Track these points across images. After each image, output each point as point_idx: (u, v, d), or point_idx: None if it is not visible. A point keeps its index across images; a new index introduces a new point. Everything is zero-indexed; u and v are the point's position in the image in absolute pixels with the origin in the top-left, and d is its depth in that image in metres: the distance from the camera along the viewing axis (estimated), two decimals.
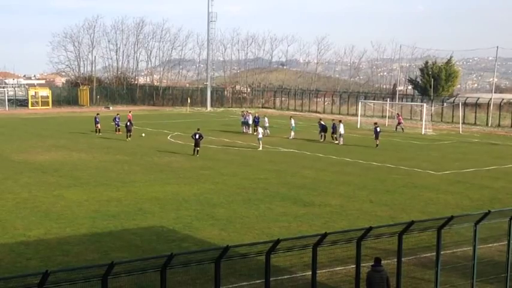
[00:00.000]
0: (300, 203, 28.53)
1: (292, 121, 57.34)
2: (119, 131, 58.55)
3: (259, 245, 16.03)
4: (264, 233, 22.93)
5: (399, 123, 65.17)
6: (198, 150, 43.91)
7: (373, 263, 15.72)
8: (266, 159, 43.01)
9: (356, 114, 73.05)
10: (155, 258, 15.67)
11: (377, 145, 50.44)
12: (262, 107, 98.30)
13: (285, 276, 17.83)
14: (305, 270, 16.98)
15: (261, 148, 47.87)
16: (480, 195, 31.02)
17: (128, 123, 54.01)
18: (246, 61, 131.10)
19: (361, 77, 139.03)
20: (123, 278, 15.29)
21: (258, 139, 48.69)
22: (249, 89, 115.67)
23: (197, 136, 44.37)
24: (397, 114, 70.06)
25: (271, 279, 15.28)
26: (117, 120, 59.61)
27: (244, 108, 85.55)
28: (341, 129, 52.22)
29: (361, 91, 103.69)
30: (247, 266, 17.80)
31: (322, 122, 56.31)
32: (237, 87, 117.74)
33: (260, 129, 50.18)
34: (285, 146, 49.67)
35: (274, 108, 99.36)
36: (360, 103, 75.64)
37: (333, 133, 54.63)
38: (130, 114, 61.73)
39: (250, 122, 60.70)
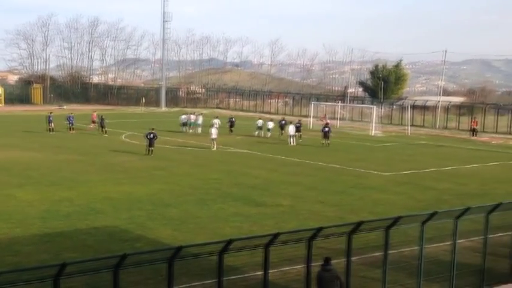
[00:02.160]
0: (252, 203, 28.58)
1: (261, 122, 56.71)
2: (72, 129, 57.76)
3: (212, 245, 16.00)
4: (216, 233, 22.89)
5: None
6: (152, 150, 43.62)
7: (322, 263, 15.86)
8: (219, 159, 42.96)
9: (308, 116, 73.53)
10: (108, 258, 15.47)
11: (328, 144, 51.09)
12: (216, 108, 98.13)
13: (238, 276, 17.83)
14: (257, 270, 16.99)
15: (215, 148, 47.75)
16: (426, 196, 31.56)
17: (101, 121, 54.54)
18: (200, 61, 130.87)
19: (313, 79, 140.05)
20: (75, 279, 15.08)
21: (212, 139, 48.49)
22: (203, 90, 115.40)
23: (151, 136, 43.99)
24: (324, 115, 71.37)
25: (223, 278, 15.26)
26: (71, 119, 58.81)
27: (198, 110, 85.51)
28: (291, 131, 52.58)
29: (313, 93, 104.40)
30: (200, 266, 17.76)
31: (283, 121, 58.50)
32: (192, 87, 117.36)
33: (213, 130, 49.92)
34: (237, 147, 49.71)
35: (228, 108, 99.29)
36: (311, 104, 76.21)
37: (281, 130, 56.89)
38: (95, 114, 61.67)
39: (200, 122, 60.66)
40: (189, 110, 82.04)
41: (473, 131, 65.76)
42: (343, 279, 16.66)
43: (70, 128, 58.14)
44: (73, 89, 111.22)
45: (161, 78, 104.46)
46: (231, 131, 59.39)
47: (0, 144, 47.55)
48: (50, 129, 57.05)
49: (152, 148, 43.69)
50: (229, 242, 15.20)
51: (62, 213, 25.66)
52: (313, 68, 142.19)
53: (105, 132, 49.33)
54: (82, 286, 15.95)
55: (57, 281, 14.14)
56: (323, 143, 51.55)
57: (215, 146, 47.99)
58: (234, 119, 62.40)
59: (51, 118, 58.01)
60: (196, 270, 17.84)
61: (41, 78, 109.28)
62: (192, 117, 61.91)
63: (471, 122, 67.93)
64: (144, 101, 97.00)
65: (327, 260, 15.86)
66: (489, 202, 21.01)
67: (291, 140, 52.39)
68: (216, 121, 57.53)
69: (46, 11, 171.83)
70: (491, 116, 73.20)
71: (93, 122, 61.22)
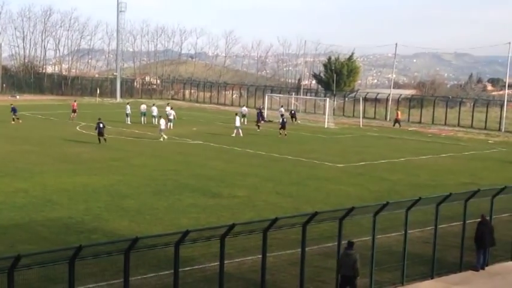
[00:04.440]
0: (209, 195, 28.56)
1: (237, 118, 54.05)
2: (18, 119, 56.71)
3: (168, 236, 15.97)
4: (173, 224, 22.82)
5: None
6: (105, 139, 43.64)
7: (346, 246, 16.46)
8: (175, 150, 42.77)
9: (263, 108, 73.69)
10: (64, 250, 15.31)
11: (285, 134, 51.46)
12: (171, 99, 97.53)
13: (194, 267, 17.84)
14: (213, 261, 17.02)
15: (162, 139, 47.44)
16: (379, 187, 32.01)
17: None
18: (155, 52, 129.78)
19: (268, 71, 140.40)
20: (30, 271, 14.87)
21: (160, 130, 48.29)
22: (158, 81, 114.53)
23: (101, 125, 44.03)
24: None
25: (180, 269, 15.25)
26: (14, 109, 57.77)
27: (154, 101, 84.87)
28: (236, 122, 52.67)
29: (267, 85, 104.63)
30: (157, 257, 17.71)
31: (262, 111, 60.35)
32: (147, 78, 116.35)
33: (162, 121, 49.72)
34: (193, 138, 49.53)
35: (183, 100, 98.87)
36: (266, 96, 76.38)
37: (257, 121, 58.02)
38: (75, 103, 62.73)
39: (155, 114, 60.09)
40: (160, 101, 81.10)
41: (396, 122, 67.06)
42: (296, 270, 16.87)
43: (14, 119, 57.03)
44: (26, 79, 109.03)
45: (116, 69, 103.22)
46: (259, 123, 58.49)
47: None
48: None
49: (104, 137, 43.75)
50: (186, 233, 15.17)
51: (17, 205, 25.22)
52: (268, 60, 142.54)
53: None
54: (37, 278, 15.70)
55: (11, 273, 13.94)
56: (280, 133, 51.84)
57: (162, 137, 47.68)
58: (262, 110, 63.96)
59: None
60: (152, 262, 17.79)
61: None
62: (168, 109, 60.46)
63: (396, 113, 69.38)
64: (99, 91, 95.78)
65: (350, 244, 16.45)
66: (440, 193, 21.43)
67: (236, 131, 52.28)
68: (171, 112, 57.30)
69: None
70: (440, 109, 74.52)
71: (74, 111, 60.87)
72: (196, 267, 17.93)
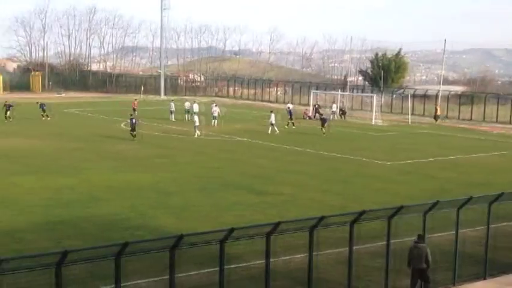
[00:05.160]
0: (254, 192, 28.60)
1: (272, 115, 53.36)
2: (46, 116, 57.89)
3: (213, 234, 16.05)
4: (218, 221, 22.90)
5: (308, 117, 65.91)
6: (135, 135, 44.84)
7: (415, 239, 16.78)
8: (220, 148, 42.96)
9: (308, 104, 73.44)
10: (109, 246, 15.53)
11: (323, 133, 50.97)
12: (215, 96, 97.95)
13: (239, 264, 17.88)
14: (259, 258, 17.02)
15: (196, 136, 47.76)
16: (428, 185, 31.57)
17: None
18: (199, 50, 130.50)
19: (313, 68, 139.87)
20: (77, 266, 15.12)
21: (195, 127, 48.64)
22: (202, 78, 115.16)
23: (133, 121, 45.25)
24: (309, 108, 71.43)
25: (225, 267, 15.31)
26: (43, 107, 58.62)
27: (198, 98, 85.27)
28: (272, 119, 52.42)
29: (313, 81, 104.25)
30: (202, 254, 17.78)
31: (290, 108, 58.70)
32: (191, 75, 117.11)
33: (196, 117, 50.21)
34: (238, 135, 49.65)
35: (227, 97, 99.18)
36: (311, 93, 76.08)
37: (290, 118, 56.57)
38: (135, 102, 63.82)
39: (196, 110, 60.49)
40: (204, 99, 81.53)
41: (436, 117, 67.60)
42: (344, 268, 16.75)
43: (42, 115, 58.01)
44: (72, 76, 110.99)
45: (160, 66, 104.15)
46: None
47: (2, 132, 47.51)
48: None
49: (135, 132, 44.91)
50: (231, 230, 15.23)
51: (63, 201, 25.70)
52: (313, 57, 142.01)
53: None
54: (84, 274, 15.99)
55: (59, 269, 14.19)
56: (324, 132, 51.28)
57: (196, 134, 48.09)
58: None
59: (44, 107, 58.78)
60: (198, 259, 17.87)
61: (40, 66, 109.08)
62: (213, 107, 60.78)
63: (435, 109, 69.42)
64: (143, 89, 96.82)
65: (420, 237, 16.74)
66: (492, 192, 21.01)
67: (273, 128, 52.15)
68: (215, 109, 57.58)
69: None
70: (491, 106, 73.08)
71: (134, 110, 61.18)
72: (242, 264, 17.97)
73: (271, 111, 53.88)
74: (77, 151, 39.44)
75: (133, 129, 45.12)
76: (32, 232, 21.26)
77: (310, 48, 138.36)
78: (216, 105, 59.60)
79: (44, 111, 58.36)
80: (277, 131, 51.43)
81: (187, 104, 62.44)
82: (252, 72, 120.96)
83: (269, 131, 51.60)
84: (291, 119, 56.85)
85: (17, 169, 32.63)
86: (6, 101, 57.93)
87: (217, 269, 15.55)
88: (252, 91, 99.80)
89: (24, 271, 14.31)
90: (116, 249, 14.92)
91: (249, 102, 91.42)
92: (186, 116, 60.88)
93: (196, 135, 47.95)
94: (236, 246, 17.12)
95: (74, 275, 15.27)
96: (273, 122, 52.30)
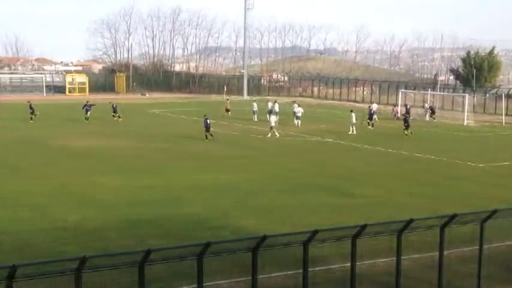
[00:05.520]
0: (339, 194, 28.39)
1: (353, 115, 53.09)
2: (118, 117, 58.90)
3: (297, 235, 16.02)
4: (301, 223, 22.85)
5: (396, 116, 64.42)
6: (211, 135, 45.47)
7: None
8: (304, 148, 42.92)
9: (396, 104, 72.34)
10: (192, 246, 15.75)
11: (406, 134, 49.88)
12: (299, 96, 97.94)
13: (323, 267, 17.76)
14: (343, 262, 16.91)
15: (269, 136, 48.05)
16: None
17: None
18: (283, 49, 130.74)
19: (401, 67, 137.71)
20: (159, 265, 15.42)
21: (271, 127, 48.88)
22: (286, 78, 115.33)
23: (208, 121, 45.92)
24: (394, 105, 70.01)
25: (308, 269, 15.25)
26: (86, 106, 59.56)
27: (281, 98, 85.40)
28: (352, 119, 51.99)
29: (401, 81, 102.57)
30: (285, 256, 17.76)
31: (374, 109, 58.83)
32: (274, 75, 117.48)
33: (273, 117, 50.54)
34: (322, 136, 49.43)
35: (312, 97, 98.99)
36: (400, 93, 74.89)
37: (369, 119, 56.20)
38: (229, 103, 64.52)
39: (277, 110, 60.78)
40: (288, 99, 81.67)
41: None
42: (434, 273, 16.37)
43: (114, 116, 59.18)
44: (155, 77, 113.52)
45: (243, 66, 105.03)
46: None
47: (85, 132, 49.13)
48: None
49: (210, 133, 45.52)
50: (315, 232, 15.17)
51: (146, 201, 26.28)
52: (401, 55, 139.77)
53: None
54: (167, 273, 16.27)
55: (143, 267, 14.50)
56: (406, 133, 50.19)
57: (270, 134, 48.34)
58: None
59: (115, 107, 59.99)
60: (280, 260, 17.86)
61: (124, 67, 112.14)
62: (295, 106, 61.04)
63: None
64: (226, 89, 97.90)
65: None
66: None
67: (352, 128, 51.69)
68: (299, 109, 57.58)
69: (129, 0, 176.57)
70: None
71: (227, 110, 62.53)
72: (326, 267, 17.85)
73: (351, 111, 53.43)
74: (159, 151, 40.27)
75: (207, 130, 45.75)
76: (115, 230, 21.84)
77: (399, 46, 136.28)
78: (299, 106, 59.65)
79: (115, 111, 59.73)
80: (355, 132, 51.15)
81: (269, 104, 62.78)
82: (338, 71, 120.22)
83: (350, 132, 51.20)
84: (370, 119, 56.25)
85: (101, 168, 33.61)
86: (87, 101, 59.56)
87: (300, 271, 15.51)
88: (337, 91, 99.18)
89: (108, 269, 14.71)
90: (198, 249, 15.12)
91: (334, 102, 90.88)
92: (268, 116, 61.10)
93: (270, 135, 48.29)
94: (320, 249, 17.04)
95: (156, 274, 15.59)
96: (354, 121, 51.94)
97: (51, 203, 25.65)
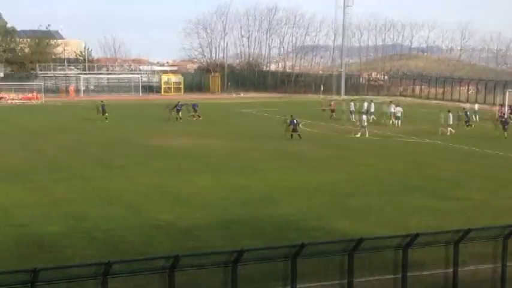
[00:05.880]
0: (440, 197, 27.68)
1: (450, 116, 51.73)
2: (198, 116, 59.31)
3: (395, 239, 15.74)
4: (400, 226, 22.42)
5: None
6: (298, 135, 45.70)
7: None
8: (403, 149, 42.20)
9: (503, 104, 69.90)
10: (285, 247, 15.74)
11: (505, 137, 47.93)
12: (400, 95, 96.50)
13: (423, 272, 17.35)
14: (445, 267, 16.47)
15: (358, 135, 47.99)
16: None
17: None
18: (383, 47, 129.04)
19: (509, 65, 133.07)
20: (252, 266, 15.50)
21: (362, 127, 48.75)
22: (385, 77, 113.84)
23: (295, 122, 46.28)
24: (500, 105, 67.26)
25: (407, 274, 14.94)
26: (181, 106, 59.97)
27: (381, 98, 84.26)
28: (450, 119, 50.78)
29: (508, 80, 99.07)
30: (382, 259, 17.48)
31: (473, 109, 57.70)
32: (373, 74, 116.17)
33: (364, 117, 50.43)
34: (423, 137, 48.40)
35: (413, 96, 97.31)
36: (507, 93, 72.35)
37: (466, 120, 54.85)
38: (333, 103, 64.16)
39: (372, 110, 60.45)
40: (388, 98, 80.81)
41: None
42: None
43: (193, 115, 59.63)
44: (250, 77, 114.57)
45: (341, 65, 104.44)
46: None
47: (180, 131, 50.12)
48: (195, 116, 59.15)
49: (297, 133, 45.75)
50: (415, 236, 14.87)
51: (239, 200, 26.49)
52: (509, 54, 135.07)
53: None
54: (259, 273, 16.32)
55: (235, 267, 14.61)
56: (505, 136, 48.22)
57: (359, 134, 48.28)
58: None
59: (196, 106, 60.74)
60: (377, 264, 17.58)
61: (219, 67, 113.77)
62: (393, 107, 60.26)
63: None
64: (322, 88, 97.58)
65: None
66: None
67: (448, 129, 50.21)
68: (398, 109, 56.68)
69: (225, 0, 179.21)
70: None
71: (332, 110, 62.32)
72: (425, 272, 17.43)
73: (449, 111, 52.00)
74: (253, 151, 40.53)
75: (295, 130, 46.01)
76: (208, 230, 22.11)
77: (506, 44, 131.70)
78: (398, 105, 58.72)
79: (195, 111, 60.28)
80: (450, 132, 50.02)
81: (365, 104, 62.22)
82: (441, 70, 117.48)
83: (447, 132, 49.94)
84: (467, 120, 54.65)
85: (196, 168, 34.17)
86: (178, 102, 60.62)
87: (398, 275, 15.23)
88: (440, 90, 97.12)
89: (201, 268, 14.91)
90: (292, 250, 15.10)
91: (436, 101, 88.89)
92: (359, 115, 60.45)
93: (359, 134, 48.17)
94: (419, 253, 16.66)
95: (248, 274, 15.68)
96: (450, 122, 50.80)
97: (144, 201, 26.28)
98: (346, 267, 15.81)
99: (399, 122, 55.55)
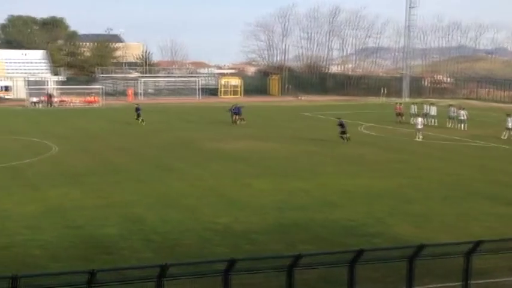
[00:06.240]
0: (505, 202, 27.04)
1: (509, 119, 50.29)
2: (242, 119, 58.59)
3: (458, 245, 15.47)
4: (463, 232, 22.02)
5: None
6: (348, 137, 45.67)
7: None
8: (469, 153, 41.41)
9: None
10: (343, 252, 15.63)
11: None
12: (465, 98, 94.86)
13: (487, 280, 16.94)
14: (510, 275, 16.07)
15: (417, 139, 47.60)
16: None
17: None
18: (448, 49, 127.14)
19: None
20: (309, 271, 15.42)
21: (417, 130, 48.49)
22: (450, 79, 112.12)
23: (343, 123, 46.58)
24: None
25: (471, 282, 14.64)
26: (238, 109, 59.48)
27: (445, 101, 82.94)
28: (508, 123, 49.27)
29: None
30: (444, 266, 17.17)
31: None
32: (437, 76, 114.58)
33: (419, 120, 50.01)
34: (489, 141, 47.40)
35: (478, 99, 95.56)
36: None
37: None
38: (399, 106, 63.20)
39: (433, 113, 59.65)
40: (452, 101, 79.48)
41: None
42: None
43: (235, 119, 58.95)
44: (310, 79, 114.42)
45: (404, 67, 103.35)
46: None
47: (238, 134, 50.32)
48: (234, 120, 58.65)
49: (346, 135, 45.73)
50: (479, 243, 14.57)
51: (297, 204, 26.41)
52: None
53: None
54: (316, 279, 16.22)
55: (291, 272, 14.57)
56: None
57: (417, 137, 47.97)
58: None
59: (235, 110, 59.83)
60: (439, 271, 17.27)
61: (279, 69, 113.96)
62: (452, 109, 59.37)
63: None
64: (384, 91, 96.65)
65: None
66: None
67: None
68: (463, 112, 55.74)
69: (287, 2, 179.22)
70: None
71: (399, 114, 61.48)
72: (490, 280, 17.01)
73: (508, 115, 50.70)
74: (313, 154, 40.40)
75: (343, 132, 46.01)
76: (265, 234, 22.10)
77: None
78: (463, 109, 57.64)
79: (239, 114, 59.93)
80: (507, 135, 48.88)
81: (425, 107, 61.41)
82: (507, 72, 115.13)
83: (504, 136, 48.79)
84: None
85: (253, 171, 34.23)
86: (235, 104, 60.69)
87: (460, 283, 14.94)
88: (507, 93, 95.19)
89: (257, 272, 14.93)
90: (350, 255, 14.98)
91: (504, 105, 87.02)
92: (425, 119, 59.59)
93: (417, 138, 47.70)
94: (483, 260, 16.30)
95: (305, 279, 15.58)
96: (510, 126, 49.50)
97: (201, 204, 26.45)
98: (405, 273, 15.62)
99: (464, 125, 54.59)
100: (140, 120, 57.61)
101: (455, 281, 16.08)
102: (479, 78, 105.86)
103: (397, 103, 67.24)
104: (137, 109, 59.11)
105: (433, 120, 58.73)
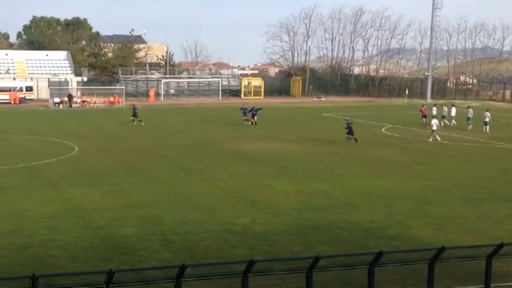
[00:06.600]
0: None
1: None
2: (251, 122, 58.13)
3: (479, 248, 15.39)
4: (485, 235, 21.88)
5: None
6: (356, 139, 45.41)
7: None
8: (491, 155, 41.08)
9: None
10: (362, 254, 15.61)
11: None
12: (489, 100, 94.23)
13: (509, 283, 16.80)
14: None
15: (431, 140, 47.34)
16: None
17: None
18: (473, 50, 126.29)
19: None
20: (328, 272, 15.42)
21: (432, 130, 48.20)
22: (475, 80, 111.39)
23: (350, 125, 46.34)
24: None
25: (492, 285, 14.55)
26: (253, 111, 59.10)
27: (469, 102, 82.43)
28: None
29: None
30: (465, 269, 17.10)
31: None
32: (462, 78, 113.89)
33: (435, 121, 49.75)
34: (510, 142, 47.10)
35: (503, 101, 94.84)
36: None
37: None
38: (424, 108, 62.77)
39: (453, 114, 59.56)
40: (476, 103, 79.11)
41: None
42: None
43: (248, 120, 58.86)
44: (332, 80, 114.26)
45: (427, 69, 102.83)
46: None
47: (258, 136, 50.32)
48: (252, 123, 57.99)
49: (354, 137, 45.49)
50: (500, 245, 14.50)
51: (317, 206, 26.36)
52: None
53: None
54: (335, 280, 16.19)
55: (310, 273, 14.59)
56: None
57: (432, 138, 47.60)
58: None
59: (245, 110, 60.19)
60: (460, 274, 17.18)
61: (301, 70, 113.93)
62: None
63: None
64: (408, 92, 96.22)
65: None
66: None
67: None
68: (486, 114, 55.37)
69: (309, 3, 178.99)
70: None
71: (424, 116, 60.64)
72: (511, 284, 16.88)
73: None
74: (332, 155, 40.31)
75: (351, 133, 45.99)
76: (285, 235, 22.09)
77: None
78: (487, 110, 57.22)
79: (253, 116, 59.38)
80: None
81: (444, 109, 61.03)
82: None
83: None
84: None
85: (272, 172, 34.22)
86: (253, 107, 60.51)
87: (481, 286, 14.84)
88: None
89: (275, 274, 14.96)
90: (369, 257, 14.98)
91: None
92: (444, 121, 59.26)
93: (431, 139, 47.46)
94: (505, 263, 16.20)
95: (324, 281, 15.58)
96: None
97: (220, 205, 26.49)
98: (426, 276, 15.56)
99: (487, 127, 54.16)
100: (137, 120, 57.99)
101: (476, 284, 16.02)
102: (505, 80, 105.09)
103: (423, 105, 66.88)
104: (134, 109, 59.75)
105: (452, 122, 58.35)
